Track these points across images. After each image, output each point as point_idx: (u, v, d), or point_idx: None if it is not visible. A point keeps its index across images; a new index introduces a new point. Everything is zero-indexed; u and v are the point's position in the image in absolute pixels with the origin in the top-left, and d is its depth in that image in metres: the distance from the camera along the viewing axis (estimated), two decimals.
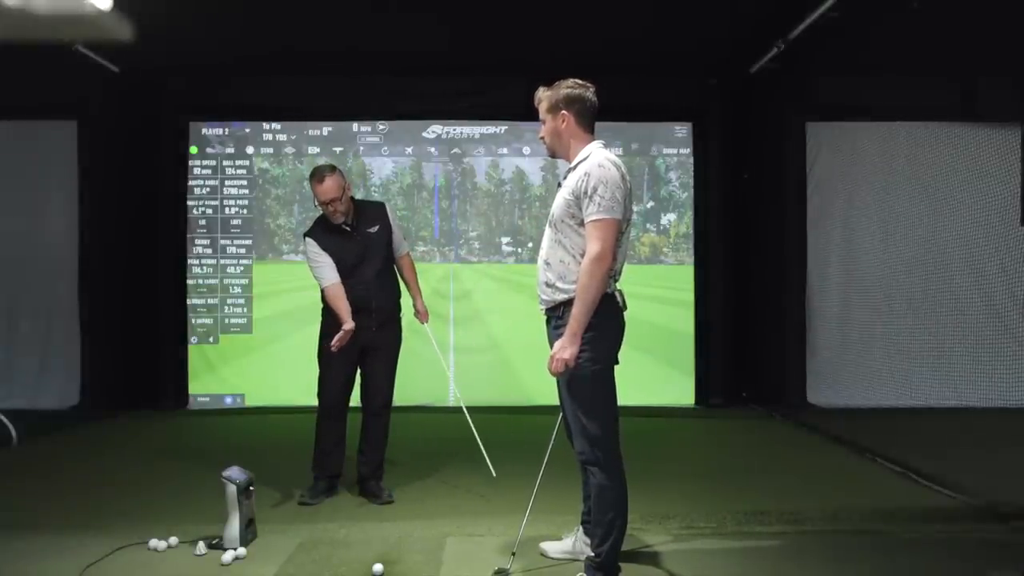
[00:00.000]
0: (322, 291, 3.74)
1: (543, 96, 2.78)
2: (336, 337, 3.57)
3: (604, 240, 2.55)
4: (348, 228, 3.76)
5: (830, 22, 4.96)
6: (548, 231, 2.74)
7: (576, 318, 2.56)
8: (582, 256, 2.61)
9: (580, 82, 2.75)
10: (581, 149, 2.71)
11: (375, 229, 3.79)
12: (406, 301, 4.01)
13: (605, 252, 2.55)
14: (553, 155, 2.85)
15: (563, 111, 2.71)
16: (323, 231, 3.77)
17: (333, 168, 3.72)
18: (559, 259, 2.67)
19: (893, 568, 2.95)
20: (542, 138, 2.84)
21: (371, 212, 3.86)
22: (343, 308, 3.64)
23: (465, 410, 4.21)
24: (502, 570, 2.88)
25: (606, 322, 2.66)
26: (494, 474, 3.94)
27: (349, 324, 3.59)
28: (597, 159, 2.62)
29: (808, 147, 6.54)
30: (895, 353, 6.31)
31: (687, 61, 6.25)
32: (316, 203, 3.73)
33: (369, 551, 3.08)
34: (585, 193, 2.58)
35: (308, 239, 3.76)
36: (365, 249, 3.76)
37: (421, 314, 4.04)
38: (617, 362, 2.75)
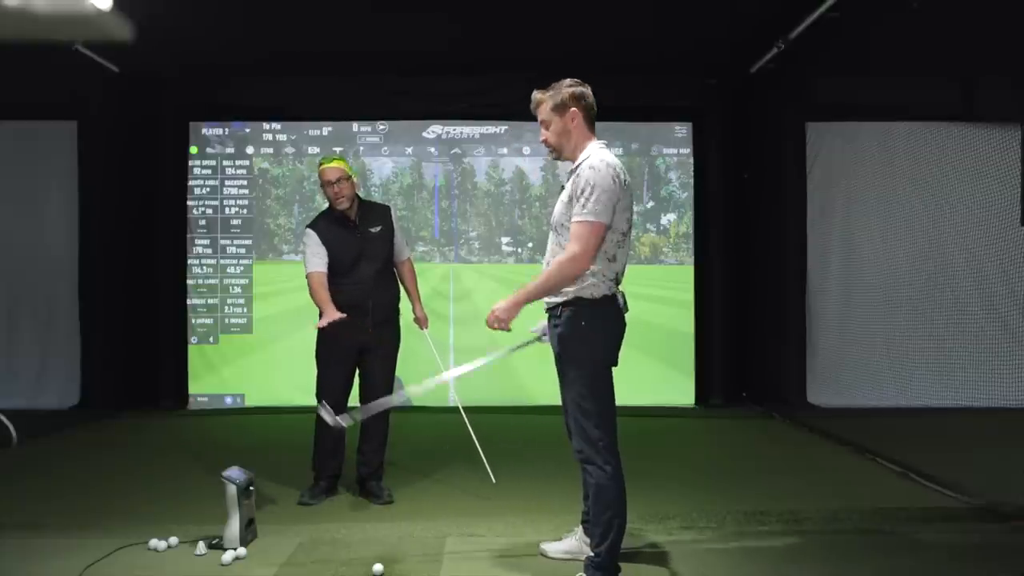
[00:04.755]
0: (307, 278, 3.72)
1: (544, 97, 2.75)
2: (325, 320, 3.54)
3: (584, 242, 2.55)
4: (350, 224, 3.77)
5: (830, 22, 4.96)
6: (551, 235, 2.76)
7: (527, 291, 2.65)
8: None
9: (578, 81, 2.75)
10: (584, 149, 2.70)
11: (377, 229, 3.80)
12: (405, 303, 4.01)
13: (583, 255, 2.56)
14: (559, 157, 2.79)
15: (572, 108, 2.70)
16: (326, 225, 3.79)
17: (342, 158, 3.83)
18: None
19: (893, 568, 2.94)
20: (545, 141, 2.79)
21: (375, 212, 3.88)
22: (323, 298, 3.63)
23: (464, 415, 4.19)
24: None
25: (606, 323, 2.67)
26: (494, 480, 3.92)
27: (335, 314, 3.55)
28: (591, 161, 2.62)
29: (808, 147, 6.53)
30: (895, 353, 6.30)
31: (687, 61, 6.25)
32: (321, 188, 3.78)
33: (369, 551, 3.07)
34: (576, 194, 2.59)
35: (308, 230, 3.79)
36: (364, 247, 3.76)
37: (420, 320, 4.05)
38: (616, 363, 2.75)
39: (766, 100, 6.40)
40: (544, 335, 2.88)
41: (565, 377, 2.72)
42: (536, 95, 2.78)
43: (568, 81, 2.74)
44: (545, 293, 2.65)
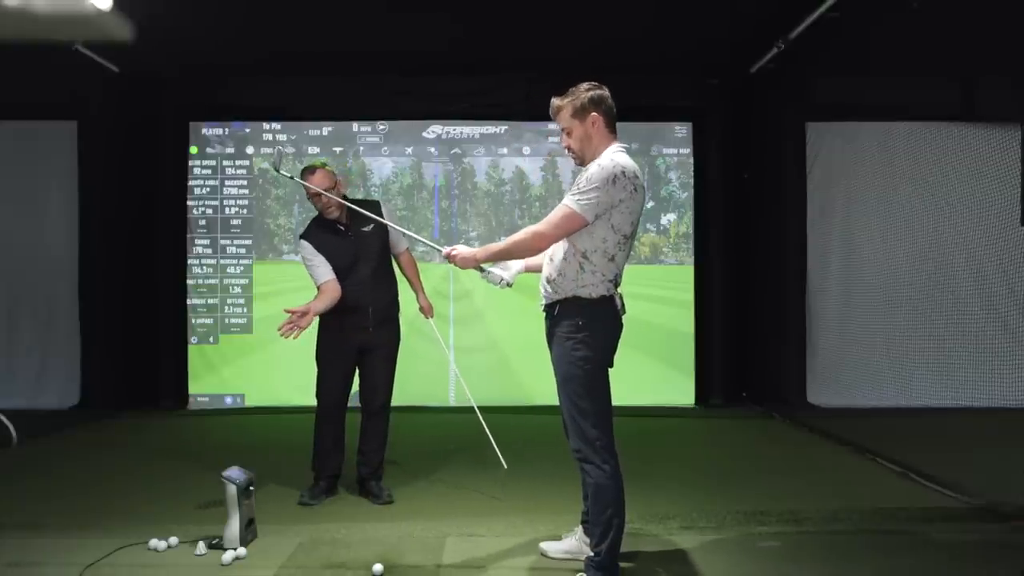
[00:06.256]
0: (319, 290, 3.71)
1: (563, 104, 2.70)
2: (289, 320, 3.45)
3: (556, 226, 2.62)
4: (342, 227, 3.76)
5: (830, 22, 4.96)
6: None
7: (488, 250, 2.77)
8: (583, 256, 2.63)
9: (596, 84, 2.72)
10: (603, 153, 2.67)
11: (369, 228, 3.77)
12: (406, 300, 3.99)
13: (548, 235, 2.64)
14: (582, 163, 2.74)
15: (592, 112, 2.67)
16: (318, 232, 3.77)
17: (324, 164, 3.76)
18: (562, 255, 2.69)
19: (893, 568, 2.94)
20: (568, 147, 2.75)
21: (366, 210, 3.85)
22: (326, 301, 3.61)
23: (476, 407, 4.18)
24: None
25: (603, 323, 2.68)
26: (505, 466, 3.91)
27: (313, 307, 3.53)
28: (602, 160, 2.63)
29: (808, 147, 6.53)
30: (895, 353, 6.30)
31: (687, 61, 6.25)
32: (309, 197, 3.75)
33: (369, 551, 3.07)
34: (577, 182, 2.64)
35: (303, 241, 3.76)
36: (359, 248, 3.75)
37: (425, 310, 4.04)
38: (611, 364, 2.75)
39: (766, 100, 6.40)
40: (489, 273, 2.98)
41: (561, 377, 2.72)
42: (555, 102, 2.73)
43: (586, 85, 2.71)
44: (505, 257, 2.81)
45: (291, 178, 3.70)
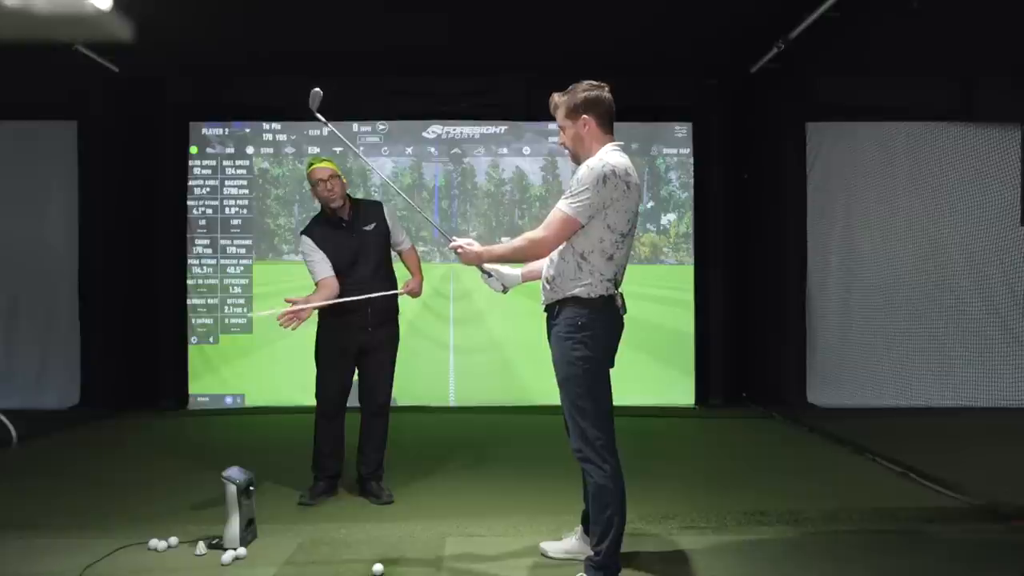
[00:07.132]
0: (316, 286, 3.72)
1: (560, 102, 2.73)
2: (289, 310, 3.40)
3: (553, 230, 2.63)
4: (344, 225, 3.77)
5: (830, 22, 4.97)
6: None
7: (492, 251, 2.80)
8: (581, 256, 2.63)
9: (595, 83, 2.73)
10: (597, 153, 2.68)
11: (371, 227, 3.79)
12: (405, 301, 3.98)
13: (547, 241, 2.65)
14: (577, 161, 2.75)
15: (584, 115, 2.68)
16: (319, 228, 3.78)
17: (330, 159, 3.82)
18: (560, 256, 2.70)
19: (893, 568, 2.94)
20: (563, 144, 2.78)
21: (368, 210, 3.87)
22: (324, 296, 3.62)
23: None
24: None
25: (602, 323, 2.68)
26: None
27: (312, 300, 3.54)
28: (592, 161, 2.63)
29: (808, 147, 6.54)
30: (895, 353, 6.31)
31: (687, 61, 6.25)
32: (313, 193, 3.77)
33: (369, 551, 3.07)
34: (570, 186, 2.64)
35: (303, 236, 3.77)
36: (361, 246, 3.76)
37: (411, 291, 3.85)
38: (612, 364, 2.76)
39: (766, 100, 6.41)
40: (490, 277, 2.99)
41: (561, 376, 2.72)
42: (553, 98, 2.75)
43: (584, 85, 2.71)
44: (507, 261, 2.85)
45: (326, 123, 3.62)
